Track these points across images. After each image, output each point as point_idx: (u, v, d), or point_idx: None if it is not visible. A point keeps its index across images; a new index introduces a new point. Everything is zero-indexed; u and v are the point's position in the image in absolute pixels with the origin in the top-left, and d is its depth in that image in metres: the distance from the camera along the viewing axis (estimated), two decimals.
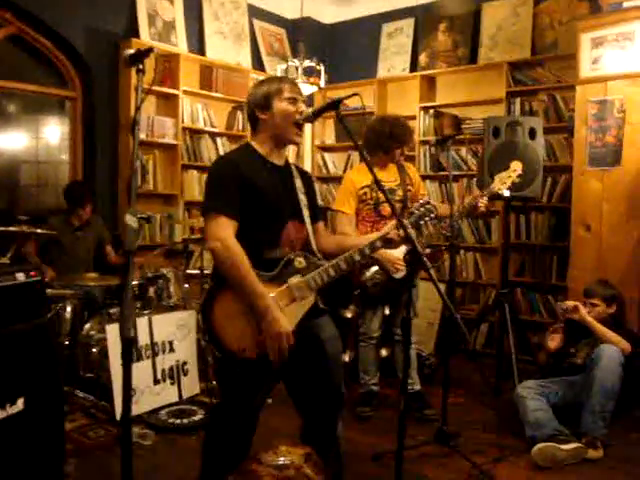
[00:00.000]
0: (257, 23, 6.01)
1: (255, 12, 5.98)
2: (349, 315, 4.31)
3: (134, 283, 3.93)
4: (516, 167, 3.36)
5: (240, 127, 5.64)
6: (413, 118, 5.34)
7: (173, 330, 3.80)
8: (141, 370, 3.55)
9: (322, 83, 5.06)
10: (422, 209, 2.36)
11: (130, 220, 1.53)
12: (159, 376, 3.65)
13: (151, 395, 3.56)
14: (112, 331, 3.37)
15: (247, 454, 2.30)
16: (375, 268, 3.47)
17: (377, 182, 2.27)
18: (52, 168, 5.05)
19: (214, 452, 2.24)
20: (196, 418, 3.47)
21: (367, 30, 6.09)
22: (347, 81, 5.97)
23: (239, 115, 5.59)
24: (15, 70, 4.59)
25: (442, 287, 4.59)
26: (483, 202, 3.32)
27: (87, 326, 3.77)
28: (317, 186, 6.21)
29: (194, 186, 5.26)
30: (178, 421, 3.43)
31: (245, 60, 5.77)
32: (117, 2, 4.87)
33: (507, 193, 3.50)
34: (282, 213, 2.20)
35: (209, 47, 5.47)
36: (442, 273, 5.17)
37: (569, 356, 3.53)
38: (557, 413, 3.20)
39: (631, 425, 3.45)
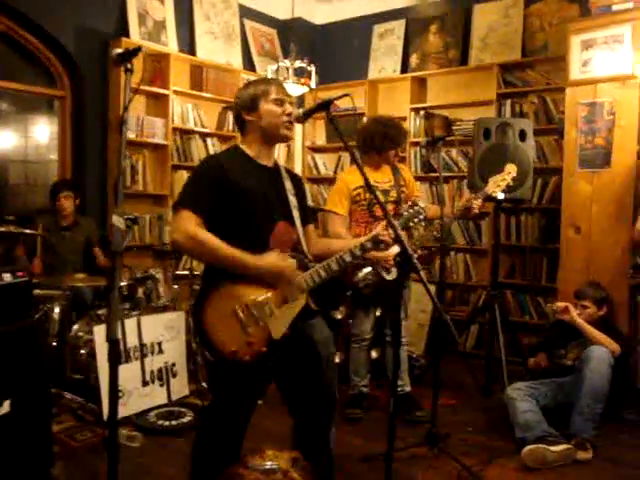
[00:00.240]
0: (248, 23, 5.99)
1: (246, 12, 5.96)
2: (339, 316, 4.30)
3: (123, 284, 3.91)
4: (511, 170, 3.37)
5: (230, 127, 5.61)
6: (404, 119, 5.33)
7: (162, 331, 3.77)
8: (129, 371, 3.52)
9: (313, 84, 5.06)
10: (411, 211, 2.36)
11: (117, 221, 1.51)
12: (148, 377, 3.62)
13: (140, 397, 3.54)
14: (100, 332, 3.34)
15: (238, 456, 2.28)
16: (367, 269, 3.46)
17: (367, 183, 2.25)
18: (41, 168, 5.01)
19: (204, 454, 2.22)
20: (185, 420, 3.45)
21: (358, 31, 6.09)
22: (338, 82, 5.96)
23: (229, 115, 5.57)
24: (4, 69, 4.55)
25: (432, 288, 4.62)
26: (477, 204, 3.32)
27: (75, 327, 3.74)
28: (307, 187, 6.22)
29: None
30: (167, 423, 3.41)
31: (236, 60, 5.75)
32: (107, 1, 4.83)
33: (501, 196, 3.50)
34: (271, 214, 2.19)
35: (200, 47, 5.45)
36: (432, 274, 5.18)
37: (559, 357, 3.54)
38: (547, 414, 3.21)
39: (620, 426, 3.46)
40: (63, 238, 4.30)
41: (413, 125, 5.48)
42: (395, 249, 3.10)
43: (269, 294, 2.10)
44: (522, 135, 4.12)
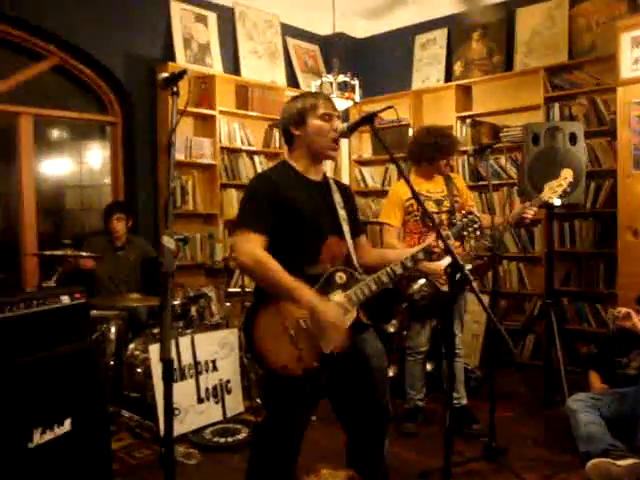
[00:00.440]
0: (290, 41, 6.07)
1: (288, 30, 6.04)
2: (392, 330, 4.27)
3: (176, 302, 3.97)
4: (567, 175, 3.29)
5: (277, 145, 5.68)
6: (450, 128, 5.28)
7: (216, 349, 3.82)
8: (185, 389, 3.57)
9: (357, 97, 5.07)
10: (465, 220, 2.32)
11: (167, 242, 1.54)
12: (203, 395, 3.66)
13: (195, 414, 3.58)
14: (155, 351, 3.40)
15: (292, 473, 2.28)
16: (422, 281, 3.43)
17: (415, 195, 2.24)
18: (95, 192, 5.18)
19: (259, 471, 2.22)
20: (240, 437, 3.47)
21: (400, 42, 6.08)
22: (382, 94, 5.96)
23: (276, 133, 5.63)
24: (59, 99, 4.74)
25: (485, 298, 4.54)
26: (530, 212, 3.26)
27: (131, 346, 3.82)
28: (356, 200, 6.22)
29: (233, 205, 5.29)
30: (222, 440, 3.44)
31: (280, 78, 5.83)
32: (154, 28, 4.99)
33: (558, 202, 3.42)
34: (321, 229, 2.20)
35: (244, 67, 5.54)
36: (485, 284, 5.08)
37: (621, 367, 3.41)
38: (611, 427, 3.08)
39: None
40: (117, 259, 4.40)
41: (460, 134, 5.42)
42: (446, 260, 3.08)
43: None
44: (572, 138, 4.01)
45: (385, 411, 2.27)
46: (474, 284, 2.10)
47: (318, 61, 6.32)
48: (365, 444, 2.30)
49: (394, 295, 3.99)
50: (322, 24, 6.09)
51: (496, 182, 5.16)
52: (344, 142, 6.21)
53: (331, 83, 4.97)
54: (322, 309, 2.00)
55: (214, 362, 3.78)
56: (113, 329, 3.84)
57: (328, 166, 6.24)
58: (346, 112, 5.94)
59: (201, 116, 5.19)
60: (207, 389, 3.70)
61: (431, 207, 3.50)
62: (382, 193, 6.09)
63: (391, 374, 4.11)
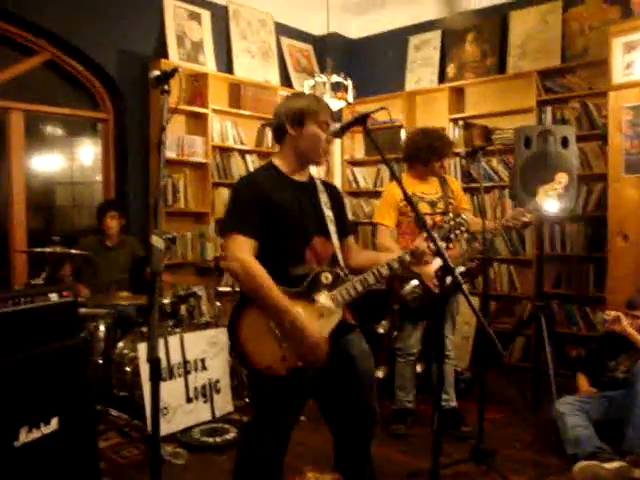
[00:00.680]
0: (284, 40, 6.05)
1: (282, 30, 6.02)
2: (381, 331, 4.27)
3: (166, 301, 3.96)
4: (561, 179, 3.30)
5: (269, 144, 5.66)
6: (442, 130, 5.28)
7: (205, 348, 3.80)
8: (173, 388, 3.56)
9: (350, 98, 5.06)
10: (452, 222, 2.32)
11: (156, 241, 1.53)
12: (192, 394, 3.65)
13: (184, 413, 3.57)
14: (143, 350, 3.38)
15: (280, 473, 2.27)
16: (415, 282, 3.43)
17: (406, 196, 2.24)
18: (87, 189, 5.15)
19: (246, 471, 2.22)
20: (229, 437, 3.45)
21: (394, 43, 6.07)
22: (375, 95, 5.96)
23: (268, 132, 5.62)
24: (50, 95, 4.71)
25: (476, 300, 4.55)
26: (527, 216, 3.30)
27: (120, 345, 3.81)
28: (347, 201, 6.21)
29: (225, 204, 5.28)
30: (211, 440, 3.42)
31: (273, 77, 5.81)
32: (147, 25, 4.96)
33: (554, 208, 3.42)
34: (307, 229, 2.19)
35: (237, 66, 5.52)
36: (476, 286, 5.09)
37: (609, 370, 3.42)
38: (599, 430, 3.09)
39: None
40: (108, 258, 4.38)
41: (452, 136, 5.42)
42: (437, 263, 3.08)
43: (304, 308, 2.10)
44: (564, 142, 4.02)
45: (372, 412, 2.27)
46: (464, 287, 2.08)
47: (312, 61, 6.31)
48: (352, 445, 2.30)
49: (382, 296, 4.01)
50: (316, 24, 6.10)
51: (488, 184, 5.17)
52: (336, 142, 6.21)
53: (324, 83, 4.96)
54: (306, 333, 2.02)
55: (203, 361, 3.77)
56: (102, 327, 3.82)
57: (320, 166, 6.24)
58: (339, 112, 5.94)
59: (193, 114, 5.17)
60: (196, 388, 3.68)
61: (425, 208, 3.50)
62: (374, 194, 6.10)
63: (381, 375, 4.12)
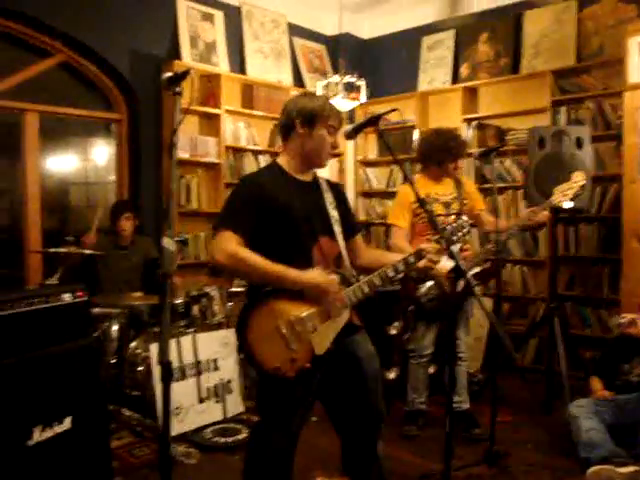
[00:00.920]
0: (297, 41, 6.06)
1: (295, 30, 6.03)
2: (394, 332, 4.25)
3: (179, 302, 3.97)
4: (578, 178, 3.27)
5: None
6: (456, 130, 5.25)
7: (217, 348, 3.81)
8: (186, 388, 3.57)
9: (363, 98, 5.06)
10: (454, 224, 2.32)
11: (167, 243, 1.53)
12: (204, 394, 3.66)
13: (196, 413, 3.58)
14: (156, 350, 3.40)
15: (290, 474, 2.27)
16: (430, 283, 3.42)
17: (418, 198, 2.24)
18: (101, 189, 5.18)
19: (256, 472, 2.22)
20: (240, 437, 3.46)
21: (407, 43, 6.06)
22: (388, 95, 5.95)
23: None
24: (64, 96, 4.75)
25: (489, 302, 4.52)
26: (544, 214, 3.29)
27: (133, 345, 3.82)
28: (360, 202, 6.20)
29: None
30: (223, 440, 3.43)
31: (286, 78, 5.82)
32: (160, 26, 4.98)
33: (569, 205, 3.40)
34: (312, 230, 2.19)
35: (250, 66, 5.54)
36: (488, 287, 5.06)
37: (624, 373, 3.39)
38: (613, 433, 3.06)
39: None
40: (121, 258, 4.40)
41: (465, 136, 5.39)
42: (449, 264, 3.07)
43: (312, 310, 2.10)
44: (579, 143, 3.99)
45: (379, 414, 2.27)
46: (476, 289, 2.07)
47: (324, 61, 6.31)
48: (359, 447, 2.30)
49: (394, 297, 4.00)
50: (329, 24, 6.10)
51: (501, 185, 5.14)
52: (349, 143, 6.20)
53: (337, 83, 4.97)
54: (312, 281, 2.06)
55: (215, 362, 3.78)
56: (115, 327, 3.84)
57: (333, 166, 6.25)
58: (352, 113, 5.94)
59: (206, 115, 5.19)
60: (208, 389, 3.69)
61: (439, 209, 3.48)
62: (387, 194, 6.08)
63: (392, 376, 4.11)
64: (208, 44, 5.21)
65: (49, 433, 2.41)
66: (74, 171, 5.11)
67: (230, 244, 2.04)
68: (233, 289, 4.40)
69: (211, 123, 5.23)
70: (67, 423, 2.49)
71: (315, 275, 2.08)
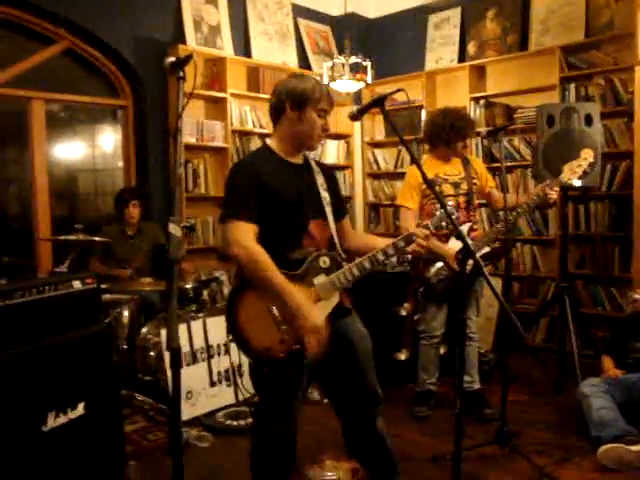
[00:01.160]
0: (302, 22, 6.00)
1: (299, 11, 5.97)
2: (403, 313, 4.26)
3: (188, 286, 3.99)
4: (587, 155, 3.24)
5: None
6: (464, 109, 5.19)
7: (228, 332, 3.82)
8: (197, 372, 3.60)
9: (369, 79, 5.01)
10: (442, 210, 2.31)
11: (173, 229, 1.53)
12: (215, 378, 3.69)
13: (208, 397, 3.61)
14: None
15: (294, 452, 2.28)
16: (440, 264, 3.42)
17: (425, 180, 2.23)
18: (108, 176, 5.19)
19: (261, 453, 2.24)
20: (252, 420, 3.48)
21: (413, 22, 5.98)
22: (395, 75, 5.89)
23: None
24: (69, 83, 4.74)
25: (498, 282, 4.51)
26: (555, 191, 3.26)
27: (144, 330, 3.85)
28: (368, 183, 6.16)
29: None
30: (235, 423, 3.46)
31: (291, 60, 5.77)
32: (163, 10, 4.95)
33: (578, 183, 3.37)
34: (304, 213, 2.19)
35: (255, 49, 5.50)
36: (498, 267, 5.04)
37: (635, 351, 3.38)
38: (624, 412, 3.06)
39: None
40: (129, 246, 4.42)
41: (473, 115, 5.35)
42: (457, 245, 3.06)
43: (302, 291, 2.10)
44: (588, 120, 3.94)
45: (374, 393, 2.29)
46: (485, 270, 2.06)
47: (330, 42, 6.25)
48: (358, 426, 2.31)
49: (406, 278, 3.99)
50: (334, 4, 6.02)
51: (510, 164, 5.10)
52: (357, 124, 6.16)
53: (343, 64, 4.92)
54: (309, 321, 2.02)
55: (226, 345, 3.80)
56: (126, 313, 3.87)
57: (341, 147, 6.22)
58: (358, 94, 5.89)
59: (212, 99, 5.16)
60: (219, 372, 3.72)
61: (448, 190, 3.47)
62: (395, 175, 6.06)
63: (403, 358, 4.12)
64: (212, 27, 5.17)
65: (63, 419, 2.45)
66: (81, 158, 5.11)
67: (247, 237, 2.05)
68: None
69: (217, 107, 5.21)
70: (80, 409, 2.53)
71: (314, 313, 2.06)
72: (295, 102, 2.17)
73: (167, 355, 3.38)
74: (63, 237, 3.85)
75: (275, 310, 2.07)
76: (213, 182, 5.18)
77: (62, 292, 2.56)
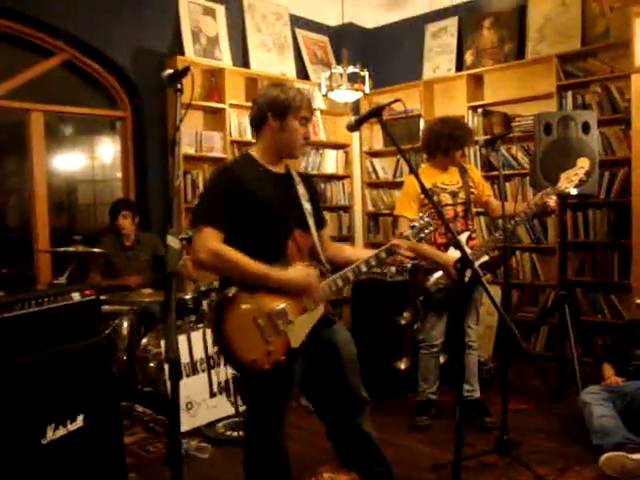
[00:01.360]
0: (300, 32, 6.03)
1: (297, 22, 6.00)
2: (403, 322, 4.25)
3: (188, 297, 3.98)
4: (583, 164, 3.26)
5: None
6: (462, 118, 5.22)
7: None
8: (197, 383, 3.60)
9: (367, 89, 5.02)
10: (421, 222, 2.33)
11: (171, 241, 1.53)
12: (215, 389, 3.68)
13: (207, 408, 3.60)
14: None
15: (286, 460, 2.27)
16: (439, 273, 3.42)
17: (424, 190, 2.23)
18: (107, 187, 5.19)
19: (254, 463, 2.24)
20: None
21: (410, 32, 6.01)
22: (392, 85, 5.91)
23: None
24: (68, 95, 4.76)
25: (498, 290, 4.51)
26: (553, 199, 3.27)
27: (144, 341, 3.84)
28: (367, 193, 6.15)
29: None
30: (235, 434, 3.44)
31: (289, 70, 5.80)
32: (162, 22, 4.98)
33: (574, 191, 3.38)
34: (287, 222, 2.19)
35: (253, 59, 5.52)
36: (497, 275, 5.04)
37: (635, 359, 3.37)
38: (625, 420, 3.05)
39: None
40: (127, 257, 4.42)
41: (471, 124, 5.36)
42: (457, 254, 3.06)
43: (288, 303, 2.10)
44: (585, 127, 3.95)
45: (360, 398, 2.29)
46: (484, 279, 2.07)
47: (328, 52, 6.28)
48: (341, 431, 2.31)
49: (406, 287, 3.99)
50: (331, 15, 6.05)
51: (508, 172, 5.11)
52: (355, 134, 6.18)
53: (341, 75, 4.94)
54: (293, 279, 2.07)
55: None
56: (125, 324, 3.87)
57: (339, 157, 6.23)
58: (356, 103, 5.91)
59: (211, 110, 5.18)
60: (219, 383, 3.71)
61: (446, 199, 3.47)
62: (394, 184, 6.07)
63: (402, 367, 4.11)
64: (210, 39, 5.20)
65: (62, 431, 2.44)
66: (81, 170, 5.12)
67: (212, 241, 2.04)
68: None
69: (216, 118, 5.23)
70: (80, 421, 2.52)
71: (296, 274, 2.09)
72: (277, 111, 2.18)
73: (167, 366, 3.38)
74: (62, 249, 3.85)
75: (261, 321, 2.06)
76: None
77: (61, 304, 2.56)
